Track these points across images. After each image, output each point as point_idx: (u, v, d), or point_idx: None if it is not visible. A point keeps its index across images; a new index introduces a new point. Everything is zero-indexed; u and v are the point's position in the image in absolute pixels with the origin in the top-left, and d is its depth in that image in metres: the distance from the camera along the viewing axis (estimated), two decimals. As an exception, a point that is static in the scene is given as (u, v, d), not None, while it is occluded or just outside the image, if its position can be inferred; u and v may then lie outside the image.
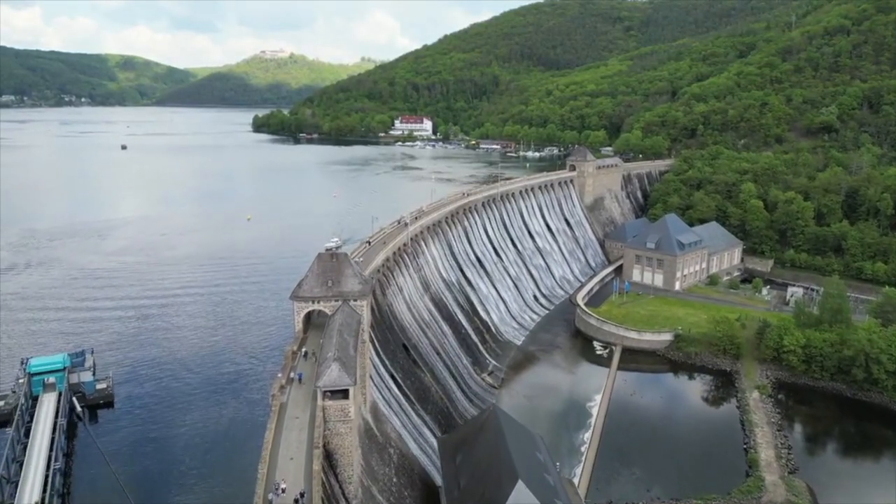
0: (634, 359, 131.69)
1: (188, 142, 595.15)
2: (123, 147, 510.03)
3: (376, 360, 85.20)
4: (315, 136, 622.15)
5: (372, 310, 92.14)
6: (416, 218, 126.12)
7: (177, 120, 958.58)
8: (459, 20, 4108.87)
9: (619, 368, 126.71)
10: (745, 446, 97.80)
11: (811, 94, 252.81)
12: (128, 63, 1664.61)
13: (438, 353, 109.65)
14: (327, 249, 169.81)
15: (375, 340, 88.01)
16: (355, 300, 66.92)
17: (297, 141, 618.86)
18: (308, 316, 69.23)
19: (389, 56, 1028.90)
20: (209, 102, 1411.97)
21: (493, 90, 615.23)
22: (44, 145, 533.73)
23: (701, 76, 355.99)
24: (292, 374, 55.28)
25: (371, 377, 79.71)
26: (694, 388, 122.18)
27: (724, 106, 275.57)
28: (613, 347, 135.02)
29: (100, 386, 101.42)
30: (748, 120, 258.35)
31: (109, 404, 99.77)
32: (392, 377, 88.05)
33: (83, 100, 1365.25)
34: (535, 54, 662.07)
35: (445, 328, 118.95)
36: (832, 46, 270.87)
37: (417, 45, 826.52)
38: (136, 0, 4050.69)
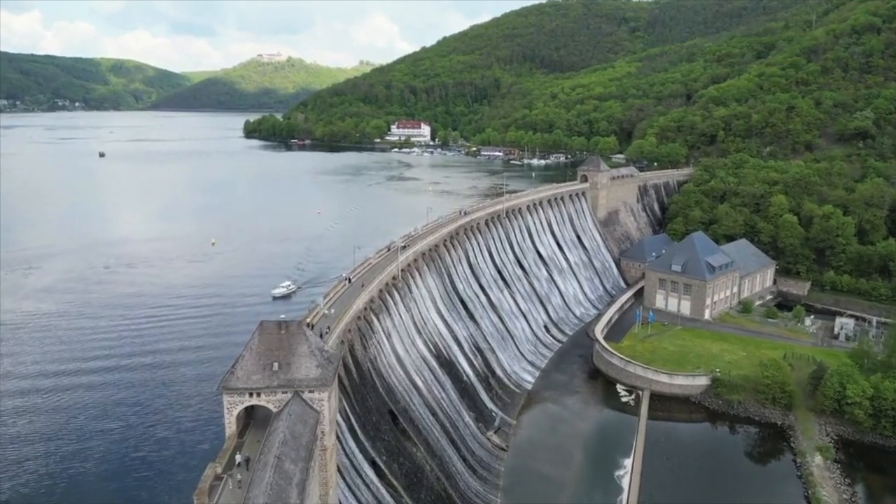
0: (665, 406, 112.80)
1: (173, 148, 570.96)
2: (101, 155, 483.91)
3: (352, 444, 65.23)
4: (307, 142, 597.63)
5: (349, 371, 72.29)
6: (404, 246, 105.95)
7: (167, 125, 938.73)
8: (459, 24, 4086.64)
9: (647, 417, 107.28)
10: (818, 540, 78.28)
11: (842, 97, 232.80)
12: (120, 67, 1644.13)
13: (434, 414, 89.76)
14: (275, 297, 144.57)
15: (351, 416, 68.10)
16: (312, 391, 46.78)
17: (288, 147, 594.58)
18: (249, 410, 49.03)
19: (388, 60, 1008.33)
20: (205, 107, 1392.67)
21: (494, 93, 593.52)
22: (16, 153, 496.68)
23: (717, 78, 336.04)
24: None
25: (342, 472, 59.69)
26: (740, 448, 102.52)
27: (747, 110, 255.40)
28: (640, 393, 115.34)
29: None
30: (774, 125, 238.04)
31: None
32: (373, 464, 68.02)
33: (77, 104, 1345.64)
34: (537, 56, 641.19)
35: (443, 378, 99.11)
36: (861, 46, 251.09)
37: (416, 49, 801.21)
38: (136, 1, 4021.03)
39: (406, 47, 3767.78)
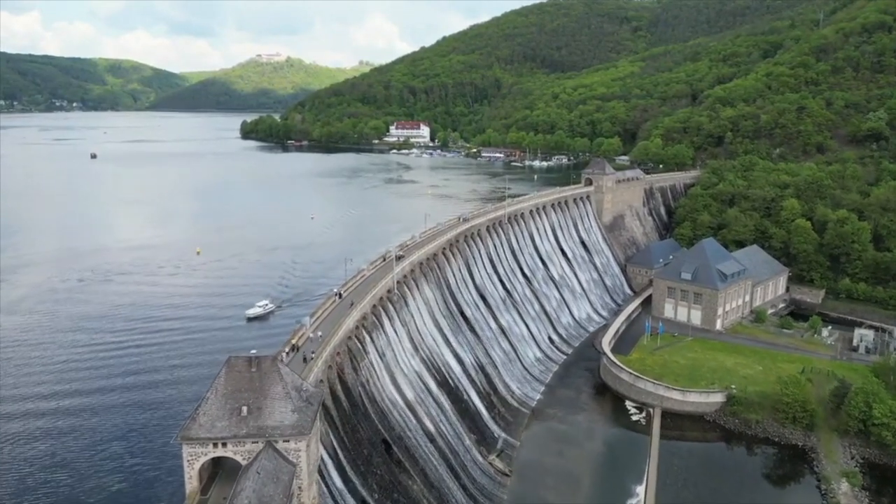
0: (678, 424, 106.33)
1: (168, 149, 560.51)
2: (93, 156, 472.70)
3: (339, 485, 58.47)
4: (304, 143, 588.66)
5: (337, 399, 65.55)
6: (400, 256, 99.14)
7: (163, 125, 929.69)
8: (458, 25, 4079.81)
9: (660, 437, 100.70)
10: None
11: (854, 98, 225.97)
12: (117, 67, 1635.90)
13: (432, 440, 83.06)
14: (249, 318, 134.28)
15: (339, 451, 61.35)
16: (287, 440, 39.96)
17: (285, 149, 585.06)
18: (216, 461, 42.25)
19: (388, 60, 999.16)
20: (204, 107, 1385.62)
21: (494, 94, 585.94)
22: (4, 155, 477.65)
23: (723, 78, 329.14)
24: None
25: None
26: (759, 472, 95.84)
27: (755, 110, 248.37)
28: (651, 410, 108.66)
29: None
30: (783, 126, 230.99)
31: None
32: (363, 504, 61.21)
33: (74, 104, 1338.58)
34: (538, 56, 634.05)
35: (442, 398, 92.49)
36: (872, 44, 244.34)
37: (416, 49, 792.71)
38: (135, 2, 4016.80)
39: (405, 47, 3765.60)
